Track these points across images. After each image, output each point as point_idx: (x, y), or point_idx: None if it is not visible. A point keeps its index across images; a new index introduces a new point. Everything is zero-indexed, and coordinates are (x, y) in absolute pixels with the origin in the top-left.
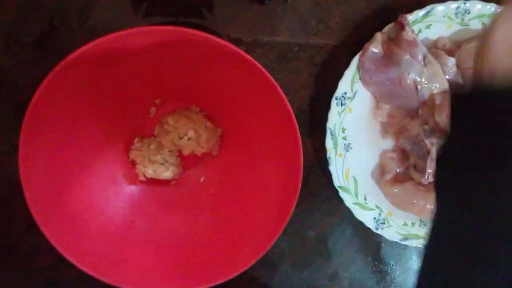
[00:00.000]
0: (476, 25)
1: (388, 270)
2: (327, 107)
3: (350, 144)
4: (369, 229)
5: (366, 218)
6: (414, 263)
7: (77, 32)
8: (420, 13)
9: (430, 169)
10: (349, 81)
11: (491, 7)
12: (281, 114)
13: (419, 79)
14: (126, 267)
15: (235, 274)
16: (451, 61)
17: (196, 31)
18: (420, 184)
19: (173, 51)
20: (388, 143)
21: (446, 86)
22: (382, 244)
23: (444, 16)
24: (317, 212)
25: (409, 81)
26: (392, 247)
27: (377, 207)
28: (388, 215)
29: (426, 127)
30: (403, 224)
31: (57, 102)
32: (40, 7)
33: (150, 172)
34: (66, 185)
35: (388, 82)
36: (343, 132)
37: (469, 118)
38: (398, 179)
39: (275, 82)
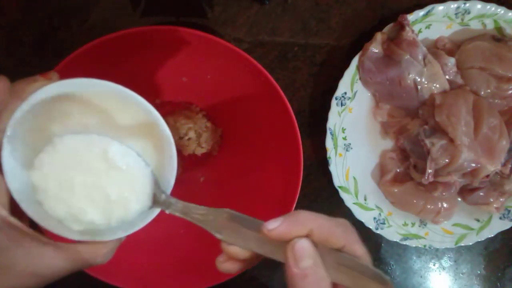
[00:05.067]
0: (476, 25)
1: (388, 270)
2: (327, 107)
3: (350, 144)
4: (369, 229)
5: (366, 218)
6: (414, 263)
7: (77, 32)
8: (420, 13)
9: (430, 169)
10: (349, 81)
11: (491, 7)
12: (281, 114)
13: (419, 79)
14: (126, 267)
15: (235, 274)
16: (451, 61)
17: (196, 31)
18: (420, 184)
19: (173, 51)
20: (388, 143)
21: (446, 86)
22: (382, 244)
23: (444, 16)
24: (317, 212)
25: (409, 81)
26: (392, 247)
27: (377, 207)
28: (388, 215)
29: (426, 127)
30: (403, 224)
31: None
32: (40, 7)
33: None
34: None
35: (388, 82)
36: (343, 132)
37: None
38: (398, 179)
39: (275, 82)
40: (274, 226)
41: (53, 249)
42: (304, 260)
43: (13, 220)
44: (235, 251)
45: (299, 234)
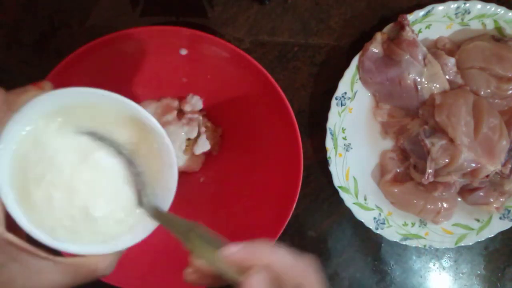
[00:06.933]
0: (476, 25)
1: (388, 270)
2: (327, 107)
3: (350, 144)
4: (369, 229)
5: (366, 218)
6: (414, 263)
7: (77, 32)
8: (420, 13)
9: (430, 169)
10: (349, 81)
11: (491, 7)
12: (281, 114)
13: (419, 79)
14: (126, 267)
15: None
16: (451, 61)
17: (197, 31)
18: (420, 184)
19: (173, 51)
20: (388, 143)
21: (446, 86)
22: (382, 244)
23: (444, 16)
24: (317, 212)
25: (409, 81)
26: (392, 247)
27: (377, 207)
28: (388, 215)
29: (426, 127)
30: (403, 224)
31: None
32: (40, 7)
33: None
34: None
35: (388, 82)
36: (343, 132)
37: None
38: (398, 179)
39: (275, 82)
40: (232, 252)
41: (52, 264)
42: None
43: (10, 236)
44: (201, 264)
45: (256, 263)
